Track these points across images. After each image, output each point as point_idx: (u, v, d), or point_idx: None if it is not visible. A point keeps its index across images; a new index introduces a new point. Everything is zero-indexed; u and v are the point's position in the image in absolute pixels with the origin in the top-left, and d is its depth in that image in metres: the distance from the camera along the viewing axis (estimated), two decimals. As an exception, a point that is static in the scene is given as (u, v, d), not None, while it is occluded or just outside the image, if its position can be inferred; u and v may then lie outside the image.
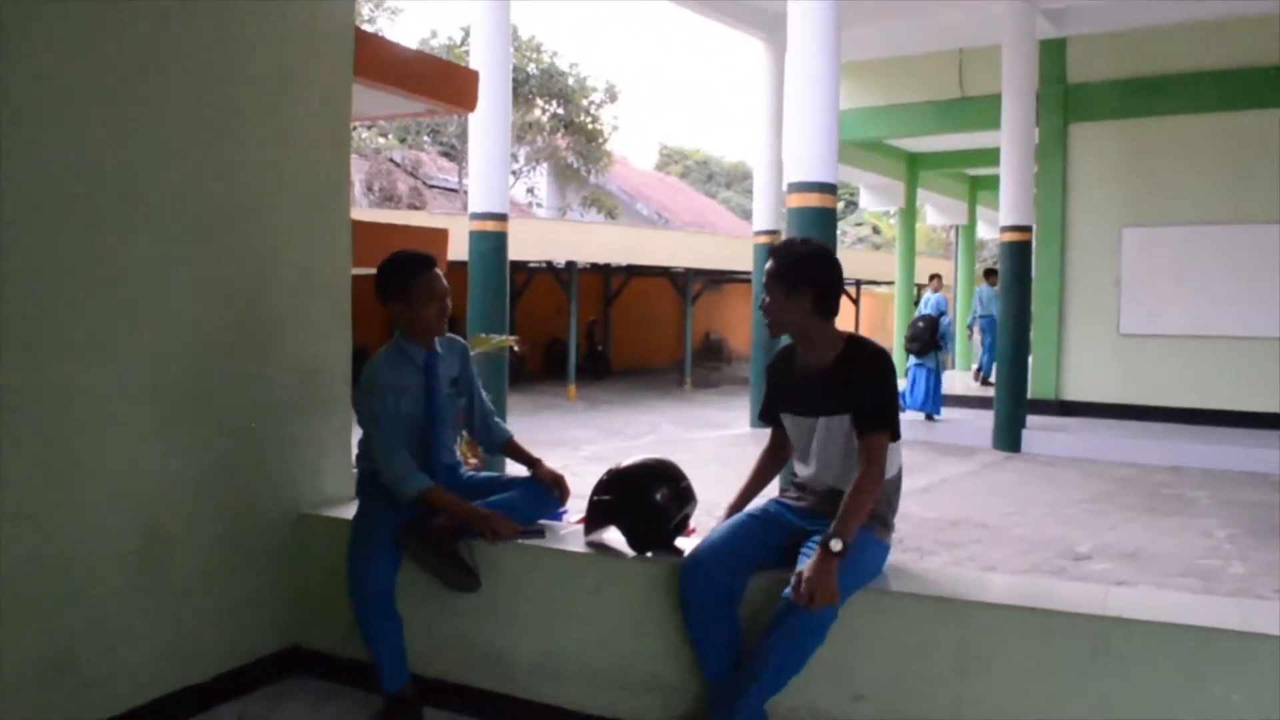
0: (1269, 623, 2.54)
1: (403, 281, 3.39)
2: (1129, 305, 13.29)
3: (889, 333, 22.76)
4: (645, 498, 3.26)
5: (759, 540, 3.06)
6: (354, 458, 3.69)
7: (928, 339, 12.86)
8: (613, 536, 3.36)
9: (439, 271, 3.46)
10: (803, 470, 3.19)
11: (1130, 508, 8.86)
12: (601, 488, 3.36)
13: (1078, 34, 13.41)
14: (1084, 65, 13.58)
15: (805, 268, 3.06)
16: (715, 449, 11.37)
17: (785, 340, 3.24)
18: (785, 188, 8.05)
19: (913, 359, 13.13)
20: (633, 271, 22.09)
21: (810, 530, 2.98)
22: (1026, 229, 12.09)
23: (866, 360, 3.04)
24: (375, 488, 3.44)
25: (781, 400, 3.23)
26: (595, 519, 3.37)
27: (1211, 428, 12.23)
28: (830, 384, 3.03)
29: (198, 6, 3.32)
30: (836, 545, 2.76)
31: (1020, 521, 8.17)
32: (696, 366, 22.95)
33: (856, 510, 2.86)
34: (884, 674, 2.85)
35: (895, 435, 3.00)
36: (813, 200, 7.62)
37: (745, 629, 2.99)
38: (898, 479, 3.09)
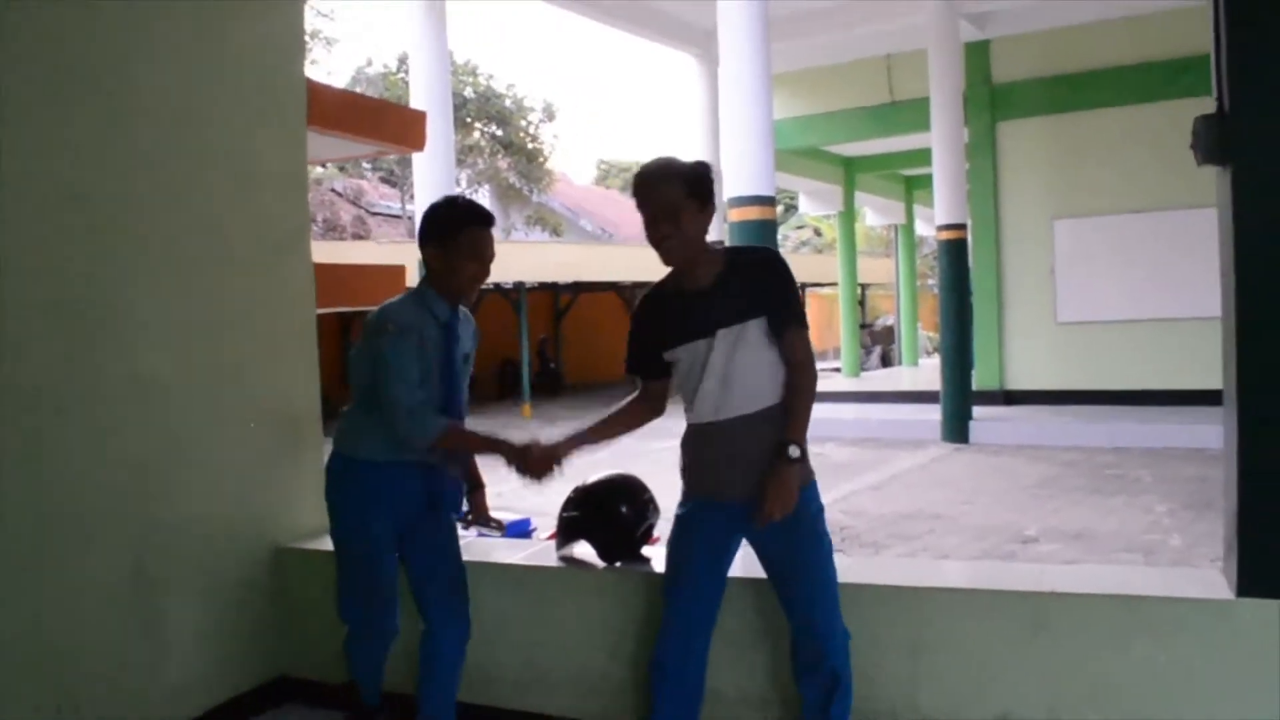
0: (1188, 587, 2.79)
1: (448, 230, 3.06)
2: (1064, 294, 13.73)
3: (835, 333, 23.09)
4: (611, 512, 3.45)
5: (716, 592, 2.93)
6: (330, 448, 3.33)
7: None
8: (583, 550, 3.55)
9: (490, 233, 3.12)
10: (706, 407, 2.82)
11: (1076, 490, 9.19)
12: (569, 505, 3.54)
13: (1000, 35, 13.87)
14: (1008, 65, 14.03)
15: (707, 182, 2.80)
16: (672, 458, 11.54)
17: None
18: (725, 201, 8.29)
19: None
20: (580, 288, 22.28)
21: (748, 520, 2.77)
22: (961, 227, 12.45)
23: (762, 261, 2.86)
24: (357, 474, 3.18)
25: (665, 336, 2.87)
26: (565, 534, 3.55)
27: (1151, 408, 12.65)
28: (722, 296, 2.77)
29: (159, 71, 3.47)
30: (794, 451, 2.67)
31: (970, 510, 8.46)
32: (648, 378, 23.12)
33: (803, 411, 2.75)
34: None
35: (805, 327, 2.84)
36: (753, 213, 7.87)
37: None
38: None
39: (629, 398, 3.14)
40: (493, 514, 3.71)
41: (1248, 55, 2.62)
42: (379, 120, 5.48)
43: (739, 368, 2.76)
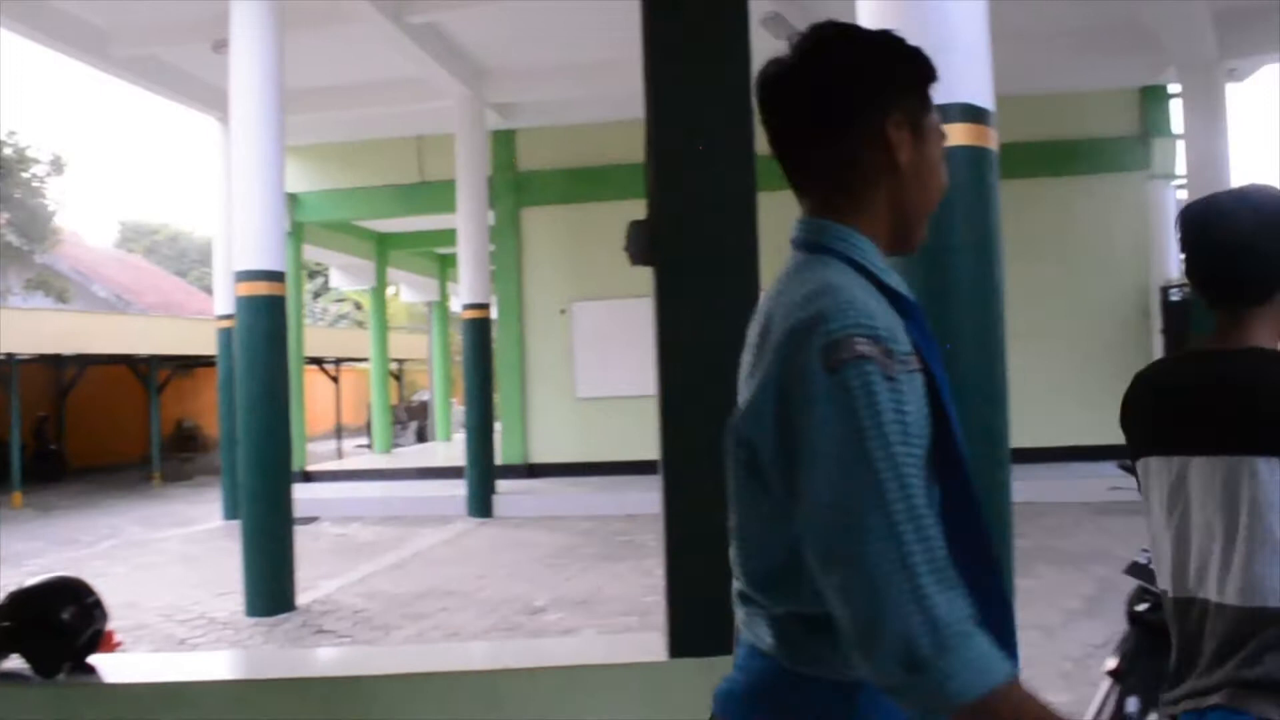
0: (630, 652, 3.02)
1: (918, 91, 1.39)
2: (582, 372, 14.64)
3: (366, 408, 22.84)
4: (50, 619, 3.11)
5: None
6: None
7: None
8: (16, 664, 3.16)
9: None
10: (1179, 583, 1.74)
11: (587, 558, 9.71)
12: (1, 614, 3.15)
13: (525, 126, 14.65)
14: (532, 155, 14.88)
15: None
16: (182, 547, 10.79)
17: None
18: (233, 275, 7.94)
19: None
20: (88, 361, 20.31)
21: None
22: (484, 306, 12.89)
23: None
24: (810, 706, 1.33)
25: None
26: (-5, 647, 3.15)
27: (657, 476, 13.70)
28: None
29: None
30: None
31: (487, 584, 8.64)
32: (167, 459, 21.52)
33: None
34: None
35: None
36: (262, 289, 7.59)
37: None
38: None
39: None
40: None
41: (667, 170, 2.96)
42: None
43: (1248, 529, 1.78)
